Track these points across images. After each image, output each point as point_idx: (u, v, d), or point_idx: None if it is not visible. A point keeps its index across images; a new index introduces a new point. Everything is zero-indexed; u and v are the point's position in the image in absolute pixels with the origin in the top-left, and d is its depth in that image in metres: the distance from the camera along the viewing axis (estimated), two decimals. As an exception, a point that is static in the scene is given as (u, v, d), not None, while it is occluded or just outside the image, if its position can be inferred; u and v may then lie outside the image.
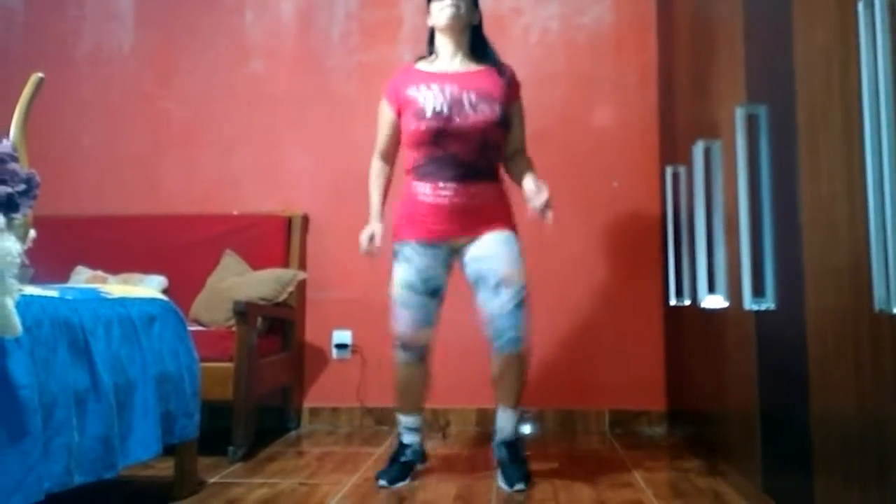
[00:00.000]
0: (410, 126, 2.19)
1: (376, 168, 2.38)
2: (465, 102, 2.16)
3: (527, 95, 3.26)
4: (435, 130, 2.14)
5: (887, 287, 1.04)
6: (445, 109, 2.15)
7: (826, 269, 1.39)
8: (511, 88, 2.28)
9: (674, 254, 2.62)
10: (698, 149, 2.05)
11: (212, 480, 2.25)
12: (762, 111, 1.70)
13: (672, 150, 2.86)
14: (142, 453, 1.78)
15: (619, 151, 3.17)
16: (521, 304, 2.14)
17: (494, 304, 2.14)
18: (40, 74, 1.86)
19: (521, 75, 3.23)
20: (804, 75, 1.49)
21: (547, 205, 2.15)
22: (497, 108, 2.18)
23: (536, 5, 3.29)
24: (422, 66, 2.30)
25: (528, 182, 2.21)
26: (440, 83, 2.19)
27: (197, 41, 3.45)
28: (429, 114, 2.15)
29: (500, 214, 2.23)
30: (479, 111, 2.15)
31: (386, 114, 2.31)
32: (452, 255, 2.24)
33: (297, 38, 3.40)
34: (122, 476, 1.86)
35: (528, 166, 2.31)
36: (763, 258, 1.68)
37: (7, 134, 1.74)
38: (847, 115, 1.28)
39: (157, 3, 3.49)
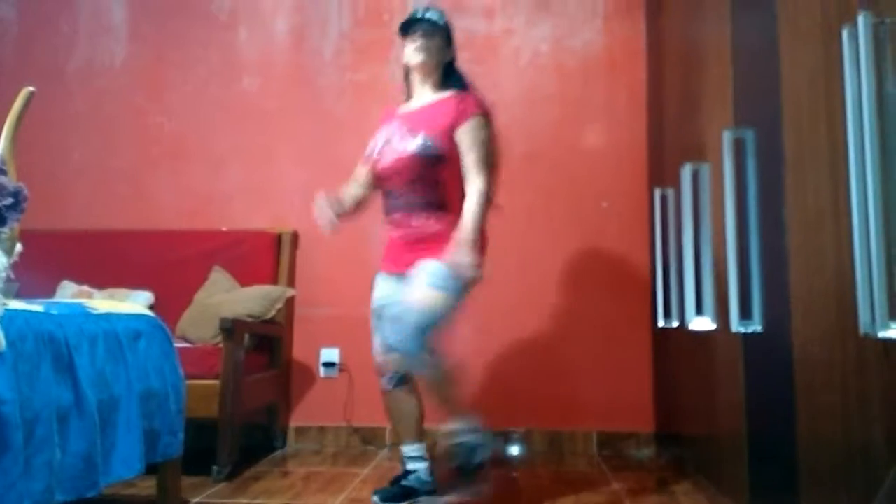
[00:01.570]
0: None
1: (349, 183, 2.39)
2: (395, 139, 2.22)
3: (517, 116, 3.29)
4: (371, 169, 2.30)
5: (872, 311, 1.05)
6: (376, 151, 2.27)
7: (812, 292, 1.40)
8: (456, 113, 2.18)
9: (662, 275, 2.63)
10: (686, 171, 2.07)
11: (195, 500, 2.22)
12: (749, 135, 1.72)
13: (660, 172, 2.88)
14: (124, 471, 1.75)
15: (608, 173, 3.19)
16: (414, 330, 2.01)
17: (388, 327, 2.13)
18: (31, 89, 1.86)
19: (511, 96, 3.28)
20: (791, 100, 1.51)
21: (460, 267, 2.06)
22: (418, 144, 2.16)
23: (528, 27, 3.32)
24: (402, 106, 2.37)
25: (457, 230, 2.11)
26: (391, 124, 2.29)
27: (189, 56, 3.46)
28: (366, 153, 2.31)
29: (433, 246, 2.14)
30: (399, 149, 2.19)
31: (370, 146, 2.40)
32: (405, 285, 2.20)
33: (290, 56, 3.42)
34: (105, 495, 1.83)
35: (470, 195, 2.15)
36: (750, 281, 1.69)
37: (-4, 147, 1.73)
38: (832, 140, 1.29)
39: (150, 17, 3.51)
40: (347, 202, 2.30)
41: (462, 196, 2.17)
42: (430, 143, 2.17)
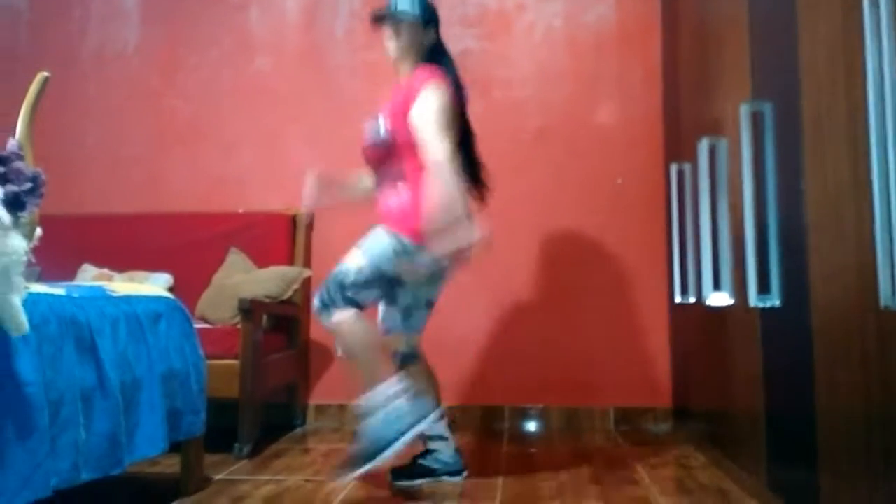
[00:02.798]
0: None
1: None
2: (367, 125, 2.23)
3: (531, 92, 3.27)
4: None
5: (893, 284, 1.04)
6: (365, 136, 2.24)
7: (831, 266, 1.39)
8: (409, 90, 2.11)
9: (679, 251, 2.62)
10: (703, 146, 2.05)
11: (218, 477, 2.26)
12: (767, 108, 1.70)
13: (677, 147, 2.86)
14: (148, 450, 1.78)
15: (623, 149, 3.17)
16: (327, 282, 2.08)
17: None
18: (46, 74, 1.87)
19: (525, 73, 3.24)
20: (809, 72, 1.48)
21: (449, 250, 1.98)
22: (371, 129, 2.19)
23: (540, 2, 3.28)
24: None
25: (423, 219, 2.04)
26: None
27: (202, 38, 3.46)
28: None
29: (387, 217, 2.16)
30: (366, 133, 2.22)
31: None
32: None
33: (302, 36, 3.40)
34: (129, 472, 1.87)
35: (427, 179, 2.02)
36: (768, 255, 1.68)
37: (13, 133, 1.75)
38: (852, 113, 1.27)
39: (162, 1, 3.50)
40: (353, 189, 2.31)
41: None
42: (380, 126, 2.17)
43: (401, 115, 2.12)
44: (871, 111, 1.09)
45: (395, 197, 2.15)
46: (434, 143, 2.00)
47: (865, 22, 1.09)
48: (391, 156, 2.17)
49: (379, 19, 2.27)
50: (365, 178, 2.38)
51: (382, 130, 2.16)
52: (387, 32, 2.25)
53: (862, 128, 1.22)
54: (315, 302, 2.11)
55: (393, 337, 2.24)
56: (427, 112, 2.04)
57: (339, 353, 2.19)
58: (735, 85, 2.03)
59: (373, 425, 2.04)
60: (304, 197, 2.29)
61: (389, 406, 2.04)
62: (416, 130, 2.05)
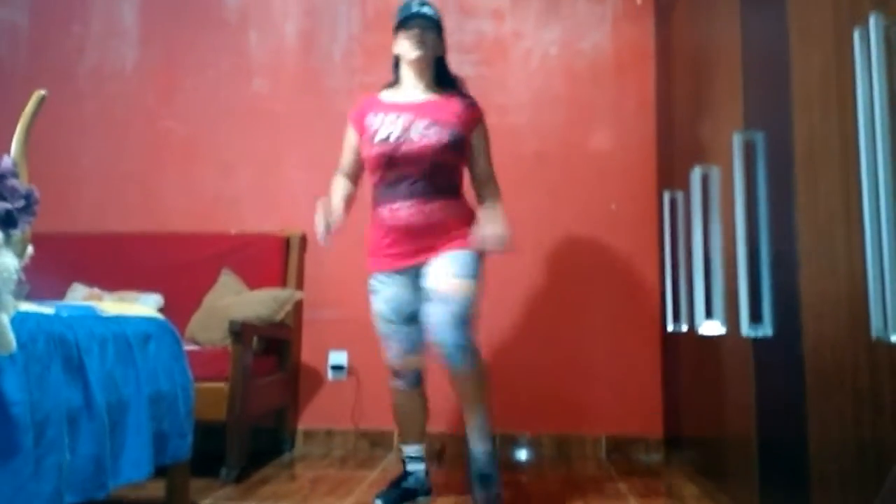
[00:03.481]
0: (364, 151, 2.26)
1: (337, 180, 2.36)
2: (414, 129, 2.18)
3: (526, 118, 3.29)
4: (384, 155, 2.18)
5: (884, 315, 1.04)
6: (393, 137, 2.18)
7: (823, 296, 1.39)
8: (469, 115, 2.26)
9: (671, 279, 2.62)
10: (696, 174, 2.06)
11: (203, 502, 2.23)
12: (759, 137, 1.71)
13: (670, 175, 2.87)
14: (133, 474, 1.75)
15: (618, 175, 3.19)
16: (460, 321, 2.04)
17: (431, 320, 2.08)
18: (43, 92, 1.87)
19: (522, 99, 3.27)
20: (801, 103, 1.50)
21: (495, 237, 2.09)
22: (446, 134, 2.18)
23: (537, 30, 3.32)
24: (385, 95, 2.34)
25: (483, 210, 2.20)
26: (397, 112, 2.23)
27: (200, 60, 3.48)
28: (377, 139, 2.20)
29: (458, 231, 2.18)
30: (426, 136, 2.17)
31: (350, 138, 2.36)
32: (419, 278, 2.20)
33: (300, 58, 3.43)
34: (113, 496, 1.83)
35: (492, 195, 2.31)
36: (760, 284, 1.68)
37: (8, 150, 1.74)
38: (844, 143, 1.29)
39: (161, 21, 3.53)
40: (338, 208, 2.20)
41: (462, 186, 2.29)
42: (457, 133, 2.20)
43: (465, 130, 2.23)
44: (862, 141, 1.10)
45: (455, 208, 2.20)
46: (495, 178, 2.34)
47: (856, 51, 1.11)
48: (453, 162, 2.21)
49: (411, 18, 2.22)
50: (340, 186, 2.33)
51: (459, 135, 2.20)
52: (414, 35, 2.22)
53: (853, 158, 1.23)
54: (452, 352, 2.03)
55: (416, 358, 2.24)
56: (488, 148, 2.32)
57: (472, 396, 2.15)
58: (728, 114, 2.05)
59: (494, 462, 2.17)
60: (319, 232, 2.13)
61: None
62: (480, 157, 2.29)
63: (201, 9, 3.50)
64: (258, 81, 3.44)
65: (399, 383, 2.26)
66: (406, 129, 2.18)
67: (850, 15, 1.26)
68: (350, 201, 2.33)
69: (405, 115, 2.22)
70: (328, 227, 2.13)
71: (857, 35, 1.11)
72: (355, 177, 2.38)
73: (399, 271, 2.20)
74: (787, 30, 1.57)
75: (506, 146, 3.31)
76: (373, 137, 2.22)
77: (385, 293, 2.21)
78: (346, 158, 2.37)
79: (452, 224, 2.18)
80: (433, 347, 2.09)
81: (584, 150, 3.23)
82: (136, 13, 3.54)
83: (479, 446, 2.17)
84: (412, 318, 2.19)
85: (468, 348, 2.05)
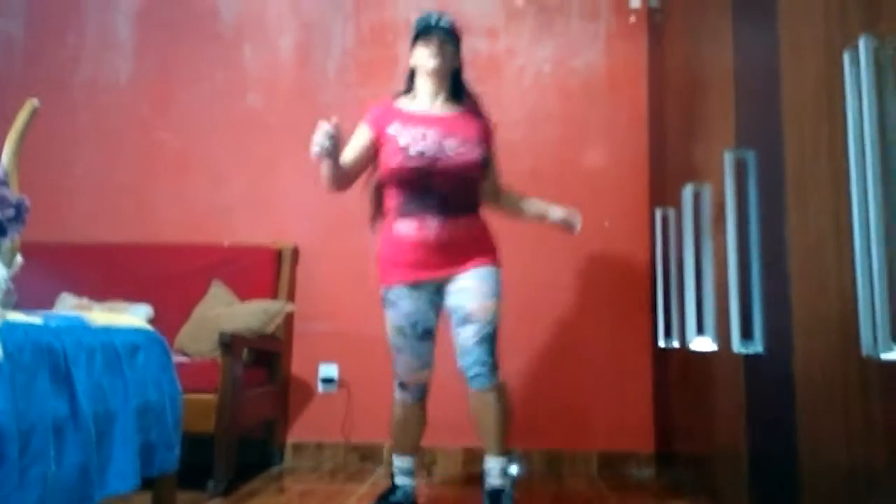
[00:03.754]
0: (391, 163, 2.17)
1: None
2: (448, 146, 2.18)
3: (520, 135, 3.31)
4: (420, 170, 2.14)
5: (874, 333, 1.05)
6: (430, 152, 2.15)
7: (814, 314, 1.39)
8: (488, 133, 2.34)
9: (663, 295, 2.63)
10: (687, 192, 2.07)
11: (190, 516, 2.20)
12: (750, 156, 1.73)
13: (661, 192, 2.89)
14: (120, 485, 1.73)
15: (610, 192, 3.20)
16: (486, 339, 2.12)
17: (460, 338, 2.14)
18: (35, 101, 1.87)
19: (515, 116, 3.29)
20: (792, 121, 1.51)
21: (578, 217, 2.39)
22: (478, 151, 2.23)
23: (531, 48, 3.34)
24: (402, 104, 2.29)
25: (535, 203, 2.46)
26: (424, 126, 2.20)
27: (194, 73, 3.48)
28: (412, 153, 2.14)
29: (483, 248, 2.23)
30: (461, 154, 2.18)
31: (360, 136, 2.24)
32: (438, 294, 2.22)
33: (294, 73, 3.44)
34: (99, 509, 1.81)
35: (517, 192, 2.47)
36: (751, 302, 1.69)
37: (-1, 159, 1.74)
38: (834, 161, 1.30)
39: (157, 33, 3.53)
40: (338, 150, 2.06)
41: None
42: (485, 151, 2.27)
43: (483, 145, 2.27)
44: (853, 160, 1.11)
45: (477, 224, 2.26)
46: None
47: (845, 71, 1.12)
48: (477, 178, 2.25)
49: (430, 29, 2.20)
50: (347, 158, 2.20)
51: (485, 154, 2.26)
52: (434, 46, 2.20)
53: (843, 176, 1.24)
54: (477, 370, 2.11)
55: (425, 372, 2.26)
56: (497, 154, 2.40)
57: (494, 414, 2.17)
58: (719, 132, 2.06)
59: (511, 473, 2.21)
60: (316, 145, 1.99)
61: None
62: (493, 166, 2.36)
63: (196, 22, 3.50)
64: (252, 95, 3.44)
65: (404, 395, 2.26)
66: (439, 145, 2.17)
67: (841, 35, 1.28)
68: (343, 177, 2.20)
69: (433, 129, 2.19)
70: (327, 146, 1.98)
71: (847, 56, 1.12)
72: (353, 175, 2.26)
73: (419, 285, 2.18)
74: (778, 49, 1.59)
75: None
76: (403, 149, 2.16)
77: (405, 307, 2.19)
78: (348, 156, 2.21)
79: (477, 239, 2.22)
80: (461, 366, 2.14)
81: (578, 167, 3.24)
82: (131, 25, 3.55)
83: (494, 464, 2.18)
84: (426, 335, 2.20)
85: (496, 366, 2.15)
